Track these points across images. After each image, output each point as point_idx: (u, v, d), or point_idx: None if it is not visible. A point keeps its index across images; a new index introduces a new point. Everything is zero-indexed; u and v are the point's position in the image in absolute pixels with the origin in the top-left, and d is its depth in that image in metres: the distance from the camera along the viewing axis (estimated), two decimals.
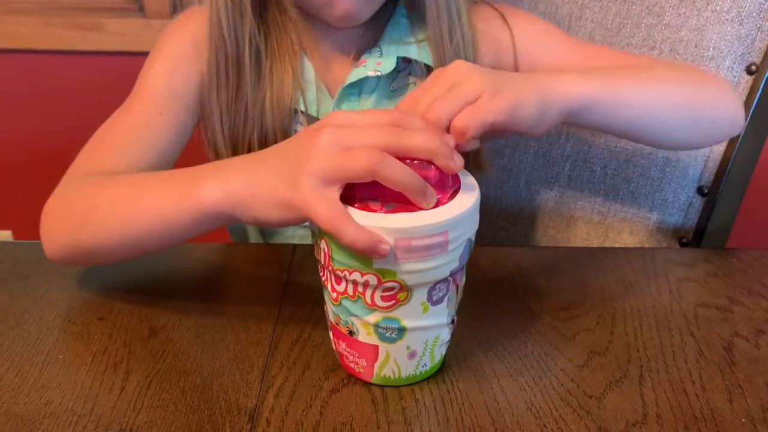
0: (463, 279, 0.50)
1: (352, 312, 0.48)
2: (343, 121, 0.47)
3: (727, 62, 0.77)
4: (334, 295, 0.48)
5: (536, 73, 0.58)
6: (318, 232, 0.47)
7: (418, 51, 0.72)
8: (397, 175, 0.44)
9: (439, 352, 0.52)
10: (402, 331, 0.48)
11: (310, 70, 0.72)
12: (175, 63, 0.71)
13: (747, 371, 0.54)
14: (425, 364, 0.51)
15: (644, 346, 0.56)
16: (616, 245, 0.87)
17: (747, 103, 0.77)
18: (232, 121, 0.71)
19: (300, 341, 0.56)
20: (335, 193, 0.45)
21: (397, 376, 0.50)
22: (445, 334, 0.51)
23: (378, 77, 0.72)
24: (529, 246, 0.93)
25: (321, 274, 0.50)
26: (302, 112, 0.72)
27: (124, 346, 0.55)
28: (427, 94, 0.51)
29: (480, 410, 0.49)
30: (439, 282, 0.47)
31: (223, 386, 0.51)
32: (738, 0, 0.75)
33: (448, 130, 0.49)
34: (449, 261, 0.46)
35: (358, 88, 0.72)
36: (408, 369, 0.50)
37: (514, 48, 0.74)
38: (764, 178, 0.92)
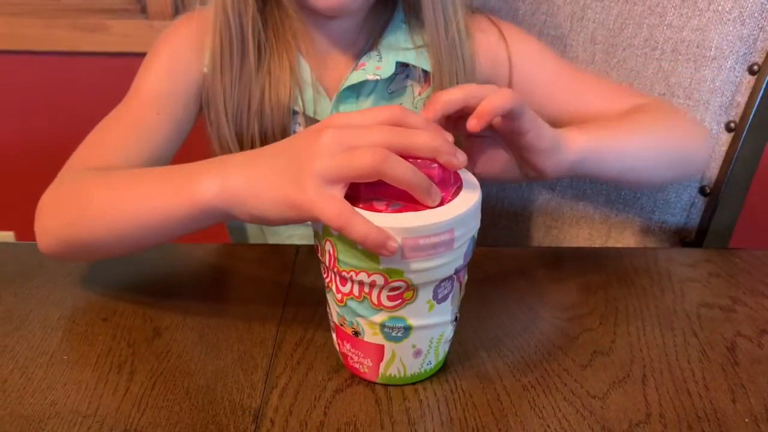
0: (466, 277, 0.51)
1: (358, 312, 0.48)
2: (345, 122, 0.47)
3: (729, 62, 0.77)
4: (339, 296, 0.48)
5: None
6: (322, 234, 0.47)
7: (416, 57, 0.73)
8: (402, 173, 0.44)
9: (443, 350, 0.52)
10: (408, 330, 0.48)
11: (306, 70, 0.72)
12: (173, 63, 0.71)
13: (750, 371, 0.54)
14: (430, 362, 0.51)
15: (647, 346, 0.56)
16: (619, 245, 0.87)
17: (749, 103, 0.77)
18: (236, 104, 0.71)
19: (303, 341, 0.56)
20: (340, 192, 0.45)
21: (402, 375, 0.51)
22: (449, 332, 0.51)
23: (376, 80, 0.72)
24: (531, 246, 0.93)
25: (325, 275, 0.50)
26: (301, 113, 0.72)
27: (129, 346, 0.55)
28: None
29: (483, 410, 0.49)
30: (445, 280, 0.47)
31: (227, 387, 0.51)
32: (740, 0, 0.75)
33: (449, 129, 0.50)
34: (454, 259, 0.47)
35: (356, 90, 0.73)
36: (413, 367, 0.51)
37: (509, 63, 0.75)
38: (766, 177, 0.92)
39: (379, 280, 0.46)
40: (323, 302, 0.53)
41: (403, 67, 0.74)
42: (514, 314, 0.60)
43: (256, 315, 0.59)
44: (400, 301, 0.47)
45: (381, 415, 0.48)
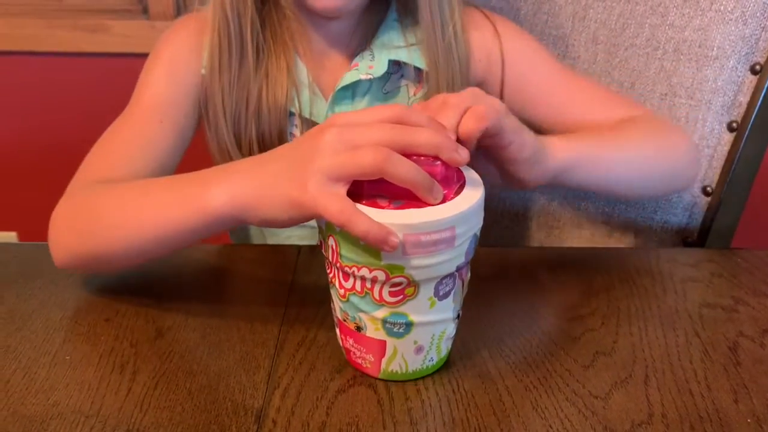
0: (468, 274, 0.51)
1: (360, 308, 0.48)
2: (347, 120, 0.48)
3: (731, 62, 0.77)
4: (342, 291, 0.49)
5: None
6: (326, 230, 0.47)
7: (408, 54, 0.73)
8: (404, 171, 0.44)
9: (446, 347, 0.52)
10: (409, 326, 0.48)
11: (303, 71, 0.72)
12: (173, 68, 0.71)
13: (752, 371, 0.54)
14: (432, 359, 0.51)
15: (649, 347, 0.56)
16: (621, 245, 0.87)
17: (751, 103, 0.77)
18: (234, 104, 0.71)
19: (306, 342, 0.56)
20: (342, 190, 0.45)
21: (404, 371, 0.51)
22: (451, 329, 0.51)
23: (370, 80, 0.72)
24: (533, 246, 0.93)
25: (328, 271, 0.50)
26: (298, 114, 0.72)
27: (131, 347, 0.55)
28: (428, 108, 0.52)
29: (485, 410, 0.49)
30: (446, 277, 0.48)
31: (230, 387, 0.51)
32: (742, 0, 0.75)
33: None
34: (456, 256, 0.47)
35: (351, 90, 0.73)
36: (415, 363, 0.51)
37: (503, 62, 0.75)
38: None
39: (380, 275, 0.46)
40: (325, 302, 0.53)
41: (397, 67, 0.74)
42: (516, 314, 0.60)
43: (258, 315, 0.59)
44: (401, 297, 0.47)
45: (383, 415, 0.49)
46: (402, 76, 0.75)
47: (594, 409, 0.49)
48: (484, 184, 0.49)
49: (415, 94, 0.75)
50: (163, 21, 1.41)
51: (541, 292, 0.63)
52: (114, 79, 1.46)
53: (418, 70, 0.74)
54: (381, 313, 0.48)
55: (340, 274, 0.48)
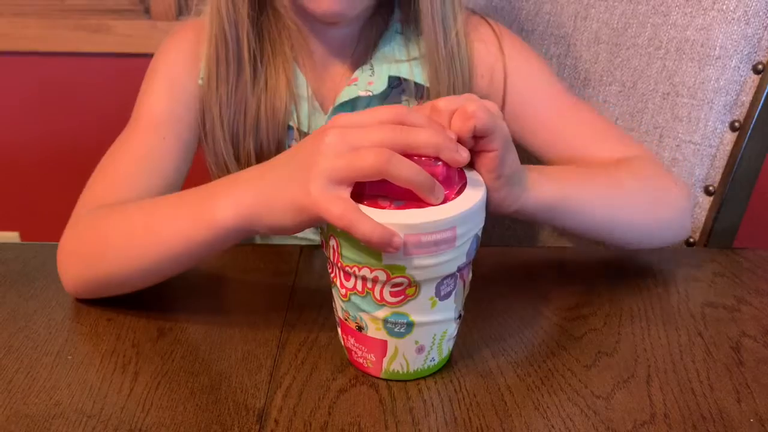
0: (470, 275, 0.51)
1: (361, 308, 0.48)
2: (347, 122, 0.47)
3: (734, 62, 0.77)
4: (343, 291, 0.49)
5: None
6: (327, 230, 0.48)
7: (409, 69, 0.71)
8: (406, 172, 0.44)
9: (447, 347, 0.52)
10: (410, 325, 0.48)
11: (302, 83, 0.71)
12: (173, 83, 0.71)
13: (755, 371, 0.53)
14: (433, 359, 0.51)
15: (652, 346, 0.56)
16: None
17: (753, 103, 0.77)
18: (232, 115, 0.70)
19: (308, 342, 0.56)
20: (345, 192, 0.45)
21: (405, 371, 0.51)
22: (453, 329, 0.51)
23: (370, 96, 0.71)
24: (536, 246, 0.93)
25: (330, 271, 0.51)
26: (296, 129, 0.71)
27: (133, 346, 0.55)
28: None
29: (488, 410, 0.49)
30: (447, 277, 0.48)
31: (232, 387, 0.51)
32: None
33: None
34: (457, 256, 0.47)
35: (350, 105, 0.72)
36: (416, 363, 0.51)
37: (505, 82, 0.72)
38: None
39: (381, 276, 0.46)
40: (327, 302, 0.53)
41: (397, 82, 0.73)
42: (519, 314, 0.60)
43: (260, 315, 0.59)
44: (402, 297, 0.47)
45: (385, 414, 0.49)
46: (403, 91, 0.73)
47: (596, 408, 0.49)
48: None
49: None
50: (164, 21, 1.41)
51: (543, 292, 0.63)
52: (116, 78, 1.47)
53: (418, 85, 0.72)
54: (382, 313, 0.48)
55: (342, 274, 0.48)
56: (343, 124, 0.47)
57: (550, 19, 0.87)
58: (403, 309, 0.48)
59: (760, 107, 0.77)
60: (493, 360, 0.54)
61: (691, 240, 0.83)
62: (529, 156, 0.72)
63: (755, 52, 0.77)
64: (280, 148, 0.71)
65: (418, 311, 0.48)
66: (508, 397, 0.50)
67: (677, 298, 0.63)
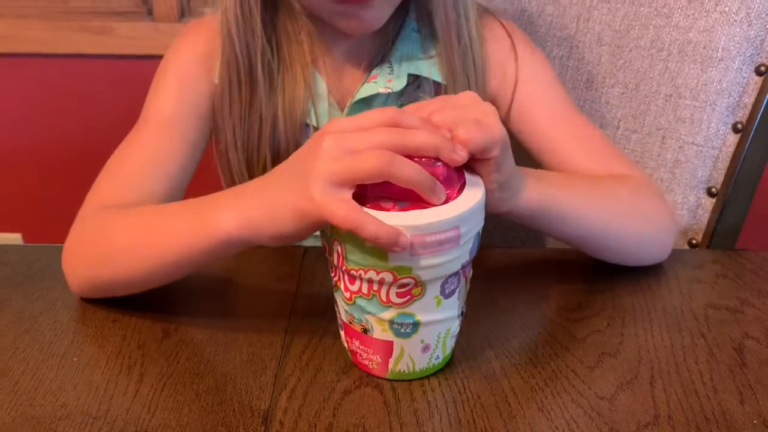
0: (471, 272, 0.52)
1: (367, 310, 0.48)
2: (344, 126, 0.47)
3: (736, 63, 0.77)
4: (348, 294, 0.49)
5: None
6: (331, 234, 0.48)
7: (427, 68, 0.72)
8: (408, 172, 0.44)
9: (450, 344, 0.53)
10: (416, 325, 0.49)
11: (321, 84, 0.72)
12: (182, 84, 0.71)
13: (758, 372, 0.54)
14: (438, 357, 0.52)
15: (655, 348, 0.56)
16: None
17: (756, 104, 0.77)
18: (246, 134, 0.71)
19: (312, 343, 0.56)
20: (348, 194, 0.45)
21: (411, 371, 0.51)
22: (456, 326, 0.52)
23: (388, 94, 0.71)
24: (538, 248, 0.93)
25: (332, 275, 0.51)
26: (313, 126, 0.72)
27: (138, 348, 0.56)
28: (430, 105, 0.50)
29: (491, 412, 0.49)
30: (451, 275, 0.48)
31: (237, 388, 0.51)
32: (746, 1, 0.75)
33: None
34: (461, 255, 0.47)
35: (367, 103, 0.72)
36: (422, 362, 0.51)
37: (515, 84, 0.73)
38: None
39: (387, 277, 0.46)
40: (331, 304, 0.54)
41: (414, 79, 0.73)
42: (522, 315, 0.60)
43: (265, 317, 0.59)
44: (408, 297, 0.47)
45: (389, 416, 0.49)
46: (418, 87, 0.74)
47: (600, 410, 0.49)
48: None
49: None
50: (167, 23, 1.41)
51: (546, 293, 0.63)
52: (119, 80, 1.47)
53: (435, 82, 0.73)
54: (388, 314, 0.48)
55: (346, 277, 0.48)
56: (339, 129, 0.47)
57: (553, 20, 0.87)
58: (409, 309, 0.48)
59: (762, 109, 0.77)
60: (497, 361, 0.54)
61: (694, 241, 0.84)
62: (528, 155, 0.73)
63: (758, 54, 0.77)
64: (297, 148, 0.72)
65: (423, 311, 0.48)
66: (512, 399, 0.50)
67: (680, 300, 0.63)
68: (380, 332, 0.49)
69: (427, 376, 0.52)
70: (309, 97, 0.71)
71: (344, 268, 0.48)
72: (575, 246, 0.66)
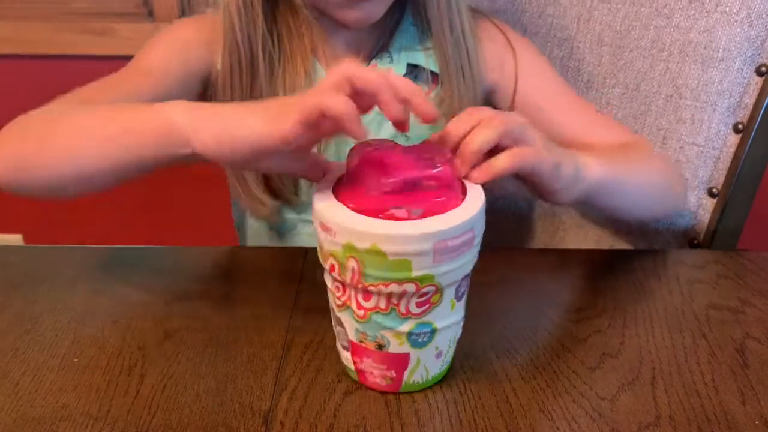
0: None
1: (384, 325, 0.48)
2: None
3: (737, 64, 0.77)
4: (362, 312, 0.48)
5: (567, 149, 0.61)
6: (344, 252, 0.45)
7: (425, 58, 0.74)
8: (334, 102, 0.45)
9: (454, 347, 0.53)
10: (433, 333, 0.49)
11: (321, 74, 0.73)
12: (174, 46, 0.71)
13: (760, 373, 0.53)
14: (446, 361, 0.52)
15: (656, 348, 0.56)
16: (627, 247, 0.87)
17: (757, 105, 0.77)
18: None
19: (313, 344, 0.56)
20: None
21: (425, 380, 0.51)
22: (460, 328, 0.52)
23: None
24: (539, 249, 0.93)
25: (339, 295, 0.49)
26: None
27: (139, 349, 0.56)
28: (474, 117, 0.52)
29: (493, 412, 0.49)
30: (464, 278, 0.49)
31: (237, 389, 0.51)
32: (747, 1, 0.75)
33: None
34: (473, 256, 0.48)
35: None
36: (434, 369, 0.51)
37: (516, 78, 0.76)
38: None
39: (410, 288, 0.45)
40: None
41: (411, 68, 0.75)
42: (523, 316, 0.60)
43: (266, 317, 0.59)
44: (427, 306, 0.47)
45: (390, 417, 0.49)
46: (416, 77, 0.75)
47: (601, 410, 0.49)
48: (490, 189, 0.50)
49: (428, 95, 0.76)
50: (168, 24, 1.40)
51: (548, 294, 0.63)
52: None
53: (432, 74, 0.75)
54: (407, 326, 0.48)
55: (360, 295, 0.47)
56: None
57: (553, 21, 0.87)
58: (427, 318, 0.48)
59: (763, 109, 0.77)
60: (498, 362, 0.54)
61: (695, 242, 0.84)
62: None
63: (758, 54, 0.77)
64: None
65: (440, 317, 0.48)
66: (513, 400, 0.50)
67: (681, 300, 0.63)
68: (397, 346, 0.49)
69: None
70: (309, 85, 0.72)
71: (360, 285, 0.46)
72: (622, 214, 0.74)
